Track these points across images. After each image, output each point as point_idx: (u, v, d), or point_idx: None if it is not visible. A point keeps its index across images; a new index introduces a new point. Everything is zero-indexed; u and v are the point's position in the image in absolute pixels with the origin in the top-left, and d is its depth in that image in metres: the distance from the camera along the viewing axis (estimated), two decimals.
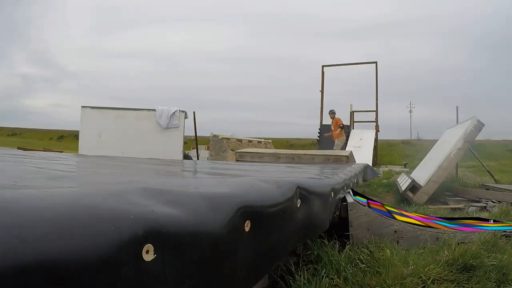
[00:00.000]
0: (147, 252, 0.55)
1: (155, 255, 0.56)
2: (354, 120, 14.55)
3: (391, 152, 20.87)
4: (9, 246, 0.42)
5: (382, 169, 10.71)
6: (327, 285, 1.57)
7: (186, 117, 8.03)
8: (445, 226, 2.49)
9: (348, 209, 2.20)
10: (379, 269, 1.72)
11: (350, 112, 14.57)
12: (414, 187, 5.11)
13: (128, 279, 0.52)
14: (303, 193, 1.30)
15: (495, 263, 1.80)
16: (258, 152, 5.56)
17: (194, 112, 8.56)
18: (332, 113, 11.22)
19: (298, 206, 1.24)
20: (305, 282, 1.58)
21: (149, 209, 0.60)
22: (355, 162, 5.82)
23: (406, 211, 2.94)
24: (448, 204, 4.75)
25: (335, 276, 1.65)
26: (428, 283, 1.63)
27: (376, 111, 14.20)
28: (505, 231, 2.43)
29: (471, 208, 4.34)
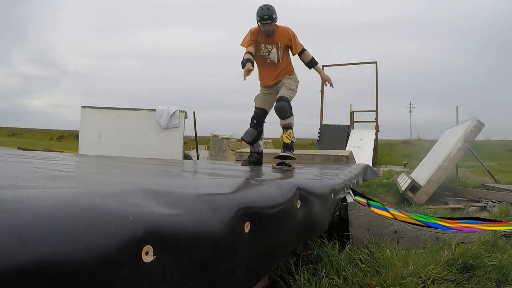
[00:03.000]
0: (147, 253, 0.55)
1: (155, 256, 0.56)
2: (354, 120, 14.56)
3: (391, 152, 20.89)
4: (9, 246, 0.42)
5: (382, 169, 10.72)
6: (327, 285, 1.57)
7: (186, 117, 8.03)
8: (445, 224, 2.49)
9: (348, 209, 2.20)
10: (379, 269, 1.72)
11: (350, 112, 14.59)
12: (414, 187, 5.11)
13: (128, 280, 0.52)
14: (303, 194, 1.30)
15: (495, 263, 1.80)
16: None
17: (194, 112, 8.57)
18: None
19: (298, 207, 1.24)
20: (305, 282, 1.58)
21: (149, 210, 0.60)
22: (355, 162, 5.82)
23: (406, 211, 2.94)
24: (448, 204, 4.75)
25: (335, 276, 1.65)
26: (428, 283, 1.63)
27: (376, 111, 14.22)
28: (505, 231, 2.43)
29: (471, 208, 4.35)
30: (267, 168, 3.31)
